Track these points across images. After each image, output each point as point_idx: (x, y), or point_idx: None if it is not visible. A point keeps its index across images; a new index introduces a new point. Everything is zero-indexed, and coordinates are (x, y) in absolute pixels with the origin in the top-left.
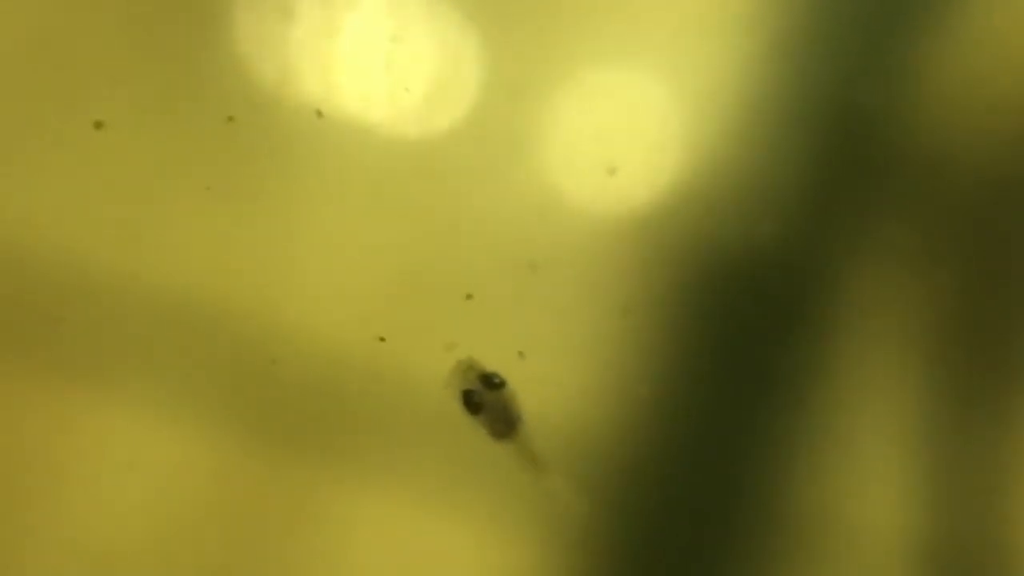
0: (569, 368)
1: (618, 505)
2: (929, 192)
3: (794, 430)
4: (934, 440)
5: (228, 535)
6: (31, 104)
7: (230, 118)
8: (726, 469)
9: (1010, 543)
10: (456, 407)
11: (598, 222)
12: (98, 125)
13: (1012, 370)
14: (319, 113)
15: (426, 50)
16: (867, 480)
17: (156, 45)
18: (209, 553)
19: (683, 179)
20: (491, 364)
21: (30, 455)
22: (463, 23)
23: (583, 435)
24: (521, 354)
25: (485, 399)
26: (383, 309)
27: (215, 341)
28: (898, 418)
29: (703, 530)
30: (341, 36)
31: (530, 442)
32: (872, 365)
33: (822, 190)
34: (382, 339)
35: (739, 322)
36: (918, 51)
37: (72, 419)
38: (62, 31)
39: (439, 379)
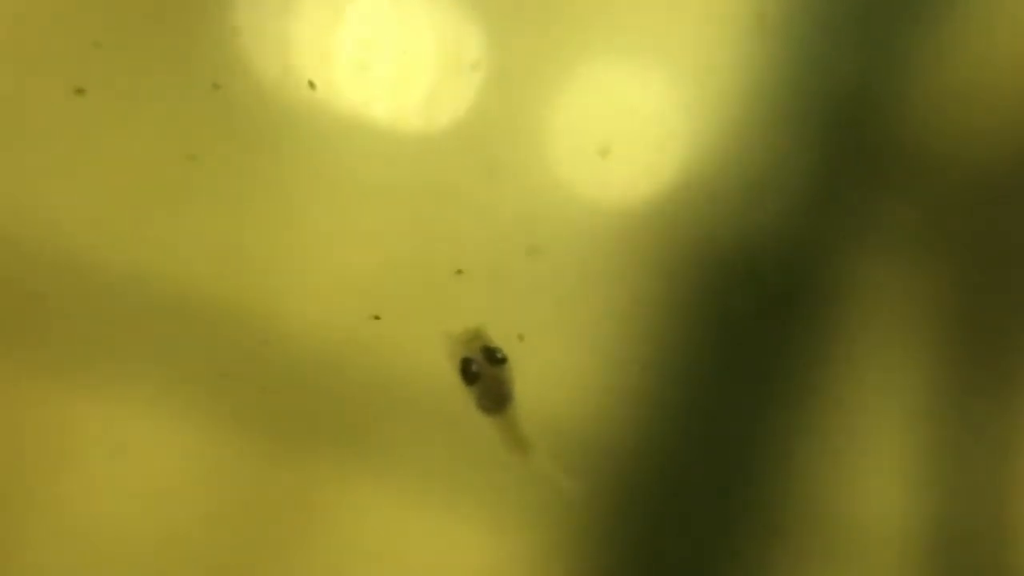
0: (567, 352)
1: (614, 496)
2: (931, 188)
3: (794, 422)
4: (937, 435)
5: (229, 526)
6: (8, 68)
7: (215, 85)
8: (724, 460)
9: (1014, 538)
10: (452, 393)
11: (598, 211)
12: (79, 92)
13: (1015, 365)
14: (311, 84)
15: (427, 37)
16: (869, 474)
17: (137, 8)
18: (210, 545)
19: (684, 172)
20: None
21: (29, 450)
22: (465, 15)
23: (578, 421)
24: (521, 336)
25: (483, 371)
26: (379, 292)
27: (205, 324)
28: (901, 413)
29: (700, 523)
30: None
31: (517, 423)
32: (874, 359)
33: (823, 183)
34: (377, 317)
35: (738, 313)
36: (920, 48)
37: (71, 414)
38: None
39: (437, 364)
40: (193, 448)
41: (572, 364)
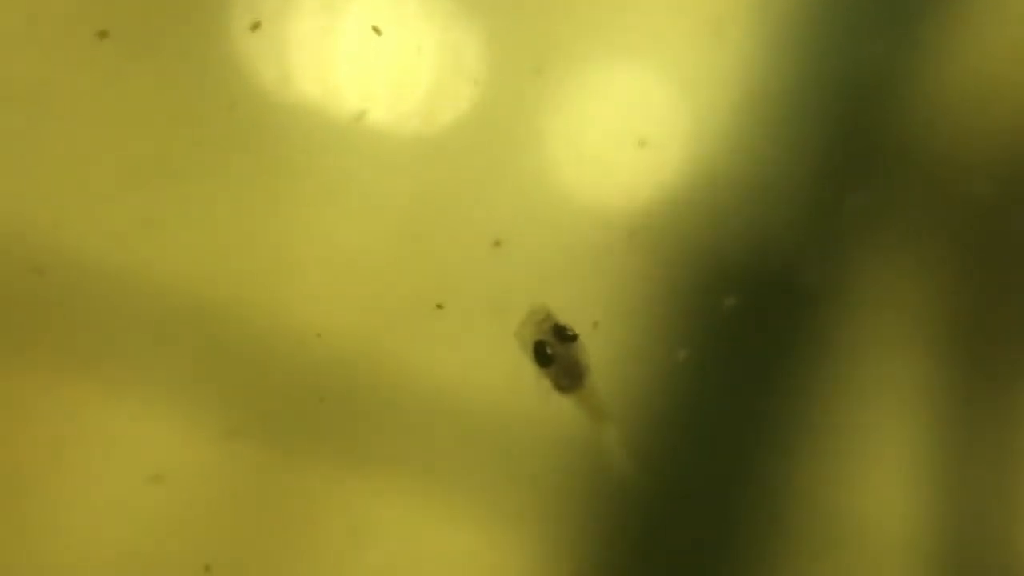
0: None
1: (614, 495)
2: (934, 191)
3: (795, 421)
4: (940, 435)
5: (228, 525)
6: (28, 9)
7: (214, 90)
8: (728, 467)
9: (1017, 542)
10: (451, 393)
11: (597, 212)
12: (102, 35)
13: (1018, 368)
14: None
15: (427, 42)
16: (871, 473)
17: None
18: (209, 543)
19: (685, 173)
20: None
21: (30, 448)
22: (463, 17)
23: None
24: None
25: (557, 351)
26: (384, 299)
27: (204, 322)
28: (903, 412)
29: (701, 522)
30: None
31: (595, 392)
32: (876, 359)
33: (824, 183)
34: (375, 319)
35: (737, 313)
36: (923, 47)
37: (69, 411)
38: None
39: (437, 364)
40: (192, 446)
41: None
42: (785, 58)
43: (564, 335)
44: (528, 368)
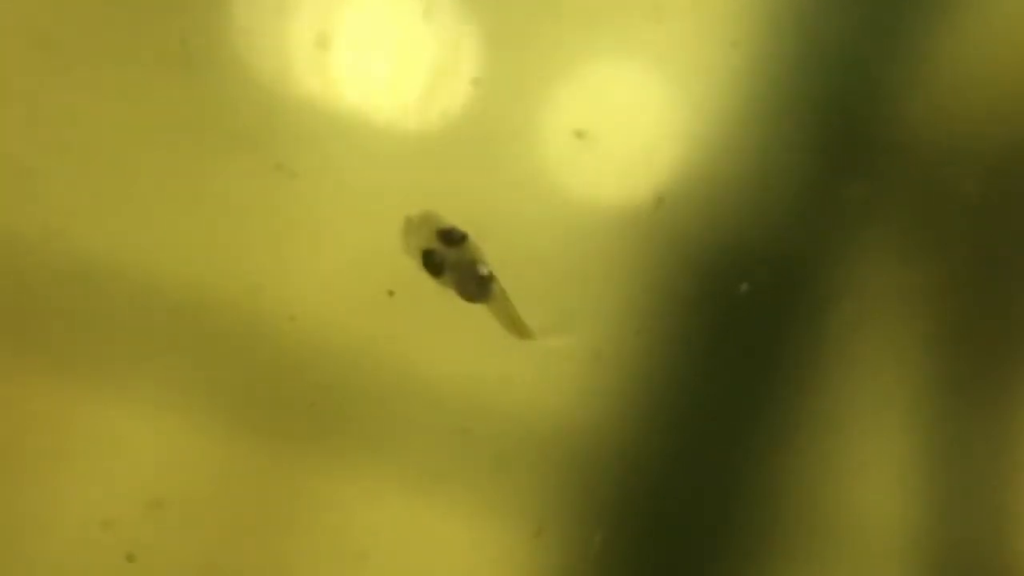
0: (566, 353)
1: (611, 495)
2: (931, 186)
3: (792, 421)
4: (936, 435)
5: (228, 525)
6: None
7: (212, 89)
8: (725, 466)
9: (1013, 538)
10: (451, 393)
11: (596, 212)
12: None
13: (1014, 365)
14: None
15: (425, 42)
16: (868, 473)
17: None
18: (207, 543)
19: (682, 172)
20: None
21: (28, 447)
22: (462, 19)
23: (576, 425)
24: None
25: (447, 257)
26: (381, 300)
27: (203, 320)
28: (899, 411)
29: (697, 522)
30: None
31: (510, 306)
32: (872, 358)
33: (820, 181)
34: (374, 319)
35: (735, 312)
36: (919, 45)
37: (67, 411)
38: None
39: (437, 363)
40: (191, 446)
41: (570, 365)
42: (785, 58)
43: (451, 238)
44: (522, 363)
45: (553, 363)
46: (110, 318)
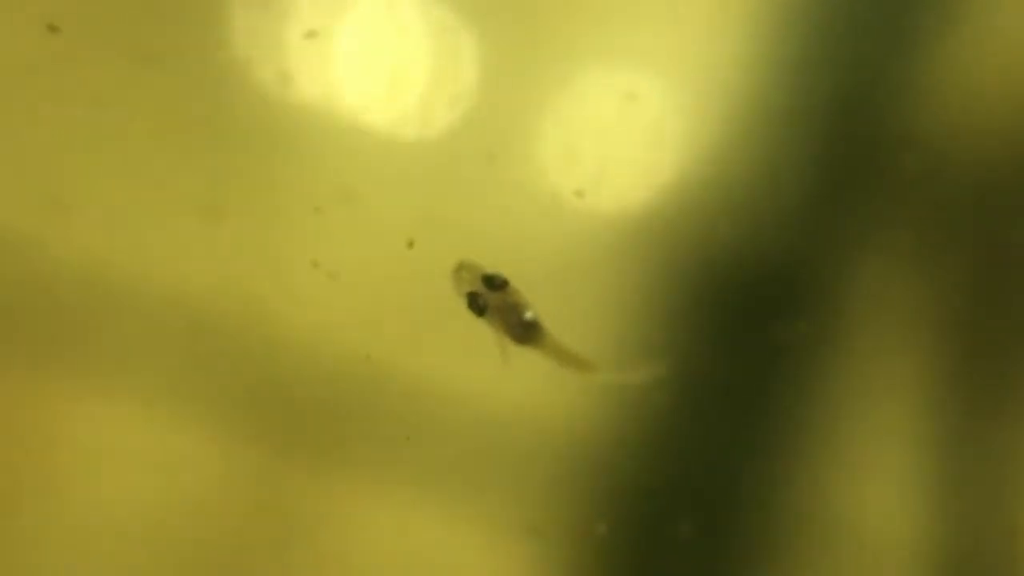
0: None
1: (612, 498)
2: (933, 189)
3: (794, 426)
4: (941, 440)
5: (226, 526)
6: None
7: (207, 88)
8: (726, 473)
9: (1019, 544)
10: (450, 393)
11: (594, 217)
12: (52, 28)
13: (1018, 371)
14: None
15: (423, 47)
16: (871, 478)
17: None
18: (205, 545)
19: (682, 176)
20: None
21: (27, 451)
22: (460, 21)
23: (576, 427)
24: None
25: (490, 300)
26: (378, 308)
27: (200, 325)
28: (903, 420)
29: (698, 528)
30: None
31: (563, 345)
32: (876, 367)
33: (824, 186)
34: (373, 320)
35: (740, 323)
36: (922, 48)
37: (66, 412)
38: None
39: (437, 364)
40: (189, 449)
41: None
42: (785, 60)
43: (493, 283)
44: (522, 368)
45: (553, 367)
46: (109, 321)
